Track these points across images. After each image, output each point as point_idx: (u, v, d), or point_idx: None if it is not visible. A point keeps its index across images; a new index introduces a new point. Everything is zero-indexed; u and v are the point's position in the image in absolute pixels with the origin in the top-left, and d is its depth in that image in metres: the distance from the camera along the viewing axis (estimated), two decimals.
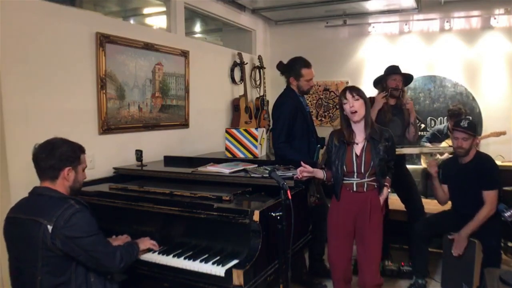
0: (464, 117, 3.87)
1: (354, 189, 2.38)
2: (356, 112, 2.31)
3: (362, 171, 2.35)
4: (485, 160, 2.88)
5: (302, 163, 2.35)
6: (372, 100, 3.28)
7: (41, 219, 1.69)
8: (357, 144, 2.36)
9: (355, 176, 2.37)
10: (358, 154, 2.35)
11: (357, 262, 2.52)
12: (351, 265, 2.49)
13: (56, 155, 1.79)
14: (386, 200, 2.49)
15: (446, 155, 4.00)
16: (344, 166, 2.36)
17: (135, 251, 1.99)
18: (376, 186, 2.39)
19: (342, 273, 2.45)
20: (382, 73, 3.39)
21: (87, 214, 1.77)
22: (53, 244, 1.68)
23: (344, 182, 2.40)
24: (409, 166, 3.84)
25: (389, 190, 2.47)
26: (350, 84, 5.11)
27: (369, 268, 2.41)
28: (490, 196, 2.77)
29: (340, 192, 2.41)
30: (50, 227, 1.67)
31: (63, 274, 1.74)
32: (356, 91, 2.35)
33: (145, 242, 2.14)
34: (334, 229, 2.46)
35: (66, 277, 1.75)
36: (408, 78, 3.40)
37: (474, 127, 2.88)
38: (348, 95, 2.33)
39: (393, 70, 3.33)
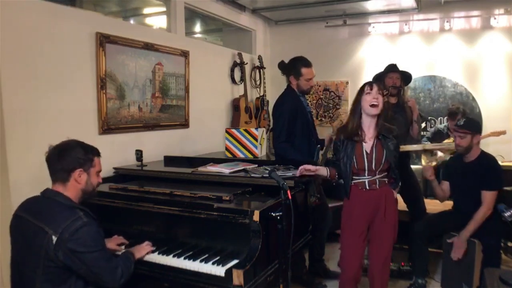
0: (461, 115, 3.90)
1: (367, 187, 2.34)
2: (377, 106, 2.28)
3: (373, 168, 2.32)
4: (488, 161, 2.87)
5: (306, 165, 2.34)
6: None
7: (47, 227, 1.67)
8: (365, 142, 2.33)
9: (366, 174, 2.34)
10: (368, 151, 2.32)
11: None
12: (362, 265, 2.48)
13: (67, 157, 1.78)
14: None
15: (446, 154, 4.01)
16: (355, 164, 2.32)
17: (132, 265, 1.93)
18: (387, 182, 2.38)
19: (354, 273, 2.42)
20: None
21: (94, 228, 1.73)
22: (55, 255, 1.65)
23: (355, 181, 2.36)
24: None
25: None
26: (350, 84, 5.13)
27: (379, 263, 2.41)
28: (487, 197, 2.77)
29: (350, 191, 2.37)
30: (55, 238, 1.64)
31: (62, 284, 1.72)
32: (381, 87, 2.35)
33: (141, 251, 2.10)
34: (348, 229, 2.42)
35: (65, 287, 1.73)
36: (406, 76, 3.40)
37: (471, 125, 2.87)
38: (375, 87, 2.30)
39: (389, 69, 3.33)
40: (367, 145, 2.33)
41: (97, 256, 1.71)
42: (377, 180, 2.34)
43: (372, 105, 2.28)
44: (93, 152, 1.86)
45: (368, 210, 2.36)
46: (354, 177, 2.36)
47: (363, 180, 2.35)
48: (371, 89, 2.30)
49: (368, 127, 2.35)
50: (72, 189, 1.80)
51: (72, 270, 1.71)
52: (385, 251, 2.42)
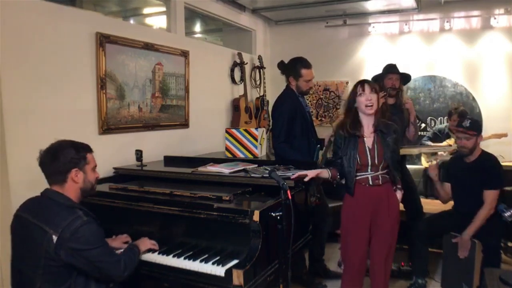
0: (457, 115, 3.94)
1: (370, 183, 2.35)
2: (372, 105, 2.30)
3: (376, 163, 2.32)
4: (489, 160, 2.88)
5: (301, 173, 2.34)
6: None
7: (47, 227, 1.67)
8: (366, 137, 2.35)
9: (369, 170, 2.34)
10: (370, 147, 2.33)
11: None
12: (366, 263, 2.46)
13: (60, 158, 1.78)
14: None
15: (446, 154, 4.01)
16: (358, 160, 2.32)
17: (136, 256, 1.97)
18: (389, 179, 2.38)
19: (357, 271, 2.41)
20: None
21: (94, 226, 1.75)
22: (56, 254, 1.66)
23: (358, 177, 2.36)
24: (409, 166, 3.85)
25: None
26: (350, 84, 5.12)
27: (381, 260, 2.40)
28: (490, 196, 2.77)
29: (354, 188, 2.37)
30: (55, 237, 1.65)
31: (62, 284, 1.73)
32: (373, 84, 2.36)
33: (145, 243, 2.13)
34: (351, 226, 2.41)
35: (65, 287, 1.73)
36: (405, 77, 3.40)
37: (476, 126, 2.88)
38: (367, 88, 2.32)
39: (389, 70, 3.33)
40: (369, 141, 2.35)
41: (100, 252, 1.74)
42: (380, 176, 2.35)
43: (367, 106, 2.31)
44: (85, 149, 1.88)
45: (371, 206, 2.36)
46: (357, 173, 2.36)
47: (366, 176, 2.35)
48: (363, 90, 2.32)
49: (367, 124, 2.37)
50: (70, 190, 1.81)
51: (73, 268, 1.72)
52: (388, 247, 2.41)
